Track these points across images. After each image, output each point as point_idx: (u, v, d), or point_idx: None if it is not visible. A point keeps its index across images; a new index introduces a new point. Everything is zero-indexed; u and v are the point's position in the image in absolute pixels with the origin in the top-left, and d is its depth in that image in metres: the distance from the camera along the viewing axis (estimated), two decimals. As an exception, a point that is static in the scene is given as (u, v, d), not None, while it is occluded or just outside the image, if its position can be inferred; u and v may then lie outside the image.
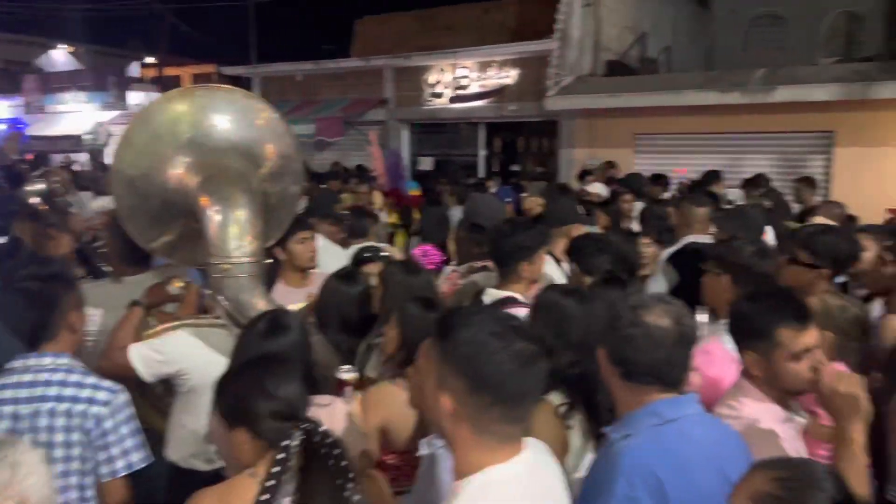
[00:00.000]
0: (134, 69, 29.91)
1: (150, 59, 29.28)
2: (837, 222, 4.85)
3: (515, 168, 13.18)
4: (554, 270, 3.65)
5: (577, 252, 3.41)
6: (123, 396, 2.16)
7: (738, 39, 16.04)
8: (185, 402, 2.59)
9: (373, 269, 3.39)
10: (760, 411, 2.02)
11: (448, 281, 3.47)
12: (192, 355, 2.56)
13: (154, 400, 2.74)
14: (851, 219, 5.69)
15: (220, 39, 26.33)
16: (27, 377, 2.08)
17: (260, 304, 2.54)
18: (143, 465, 2.19)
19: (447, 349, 1.41)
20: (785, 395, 2.07)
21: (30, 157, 12.47)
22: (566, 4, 10.91)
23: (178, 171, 2.66)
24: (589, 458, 2.07)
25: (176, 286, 2.86)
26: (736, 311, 2.18)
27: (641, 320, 1.73)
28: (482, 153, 13.40)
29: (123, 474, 2.14)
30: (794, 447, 1.99)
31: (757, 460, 1.52)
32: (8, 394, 2.06)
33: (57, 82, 20.72)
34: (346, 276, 3.21)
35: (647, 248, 4.26)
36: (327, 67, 14.33)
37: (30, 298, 2.13)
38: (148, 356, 2.56)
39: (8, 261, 3.35)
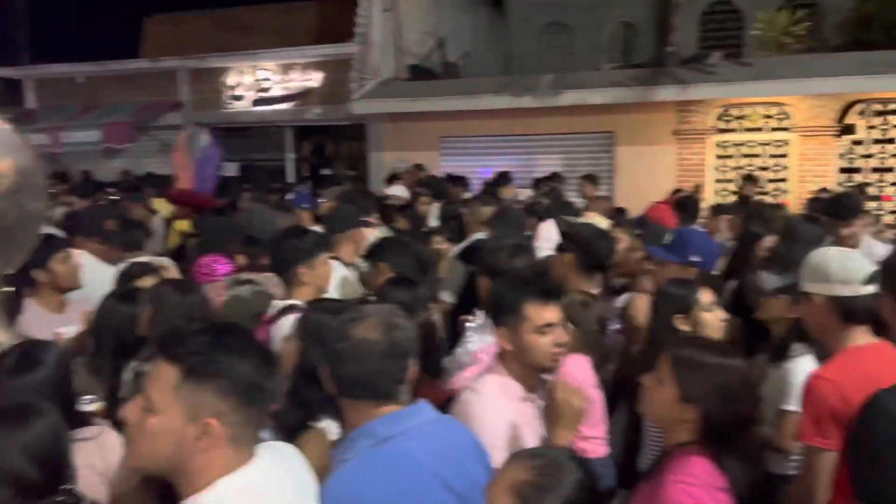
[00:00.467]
0: None
1: None
2: (606, 215, 5.43)
3: (327, 172, 13.03)
4: (346, 275, 3.64)
5: (380, 253, 3.44)
6: None
7: (532, 46, 17.07)
8: None
9: (146, 285, 3.16)
10: (496, 392, 2.16)
11: (217, 294, 3.29)
12: None
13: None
14: (620, 211, 6.31)
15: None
16: None
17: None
18: None
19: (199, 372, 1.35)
20: (532, 372, 2.21)
21: None
22: (365, 8, 10.94)
23: None
24: None
25: None
26: (490, 293, 2.39)
27: (349, 334, 1.71)
28: (290, 157, 13.09)
29: None
30: (532, 426, 2.14)
31: (511, 454, 1.61)
32: None
33: None
34: (123, 295, 2.98)
35: (439, 245, 4.46)
36: (113, 69, 13.22)
37: None
38: None
39: None
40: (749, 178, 8.82)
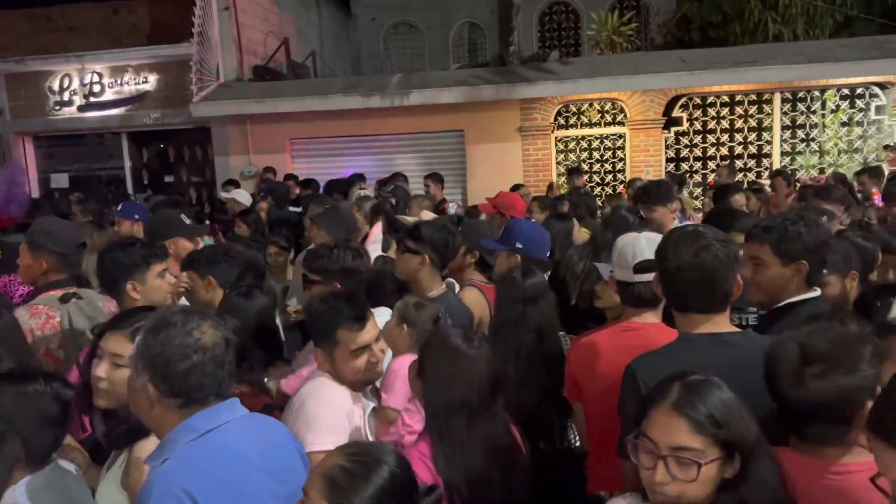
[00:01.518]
0: None
1: None
2: (432, 211, 5.70)
3: (170, 179, 12.33)
4: None
5: (204, 263, 3.30)
6: None
7: (379, 46, 17.08)
8: None
9: None
10: (333, 386, 2.31)
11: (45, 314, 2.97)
12: None
13: None
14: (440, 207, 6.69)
15: None
16: None
17: None
18: None
19: None
20: (350, 385, 2.34)
21: None
22: (202, 8, 10.44)
23: None
24: None
25: None
26: (309, 314, 2.48)
27: (197, 343, 1.68)
28: (128, 165, 12.25)
29: None
30: (360, 425, 2.31)
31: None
32: None
33: None
34: None
35: (276, 256, 4.48)
36: (-87, 73, 11.80)
37: None
38: None
39: None
40: (573, 171, 9.44)
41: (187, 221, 4.01)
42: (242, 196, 7.49)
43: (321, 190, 8.39)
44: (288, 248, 5.07)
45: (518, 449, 2.15)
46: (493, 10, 16.45)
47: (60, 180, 12.08)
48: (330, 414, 2.23)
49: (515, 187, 7.71)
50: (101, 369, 2.07)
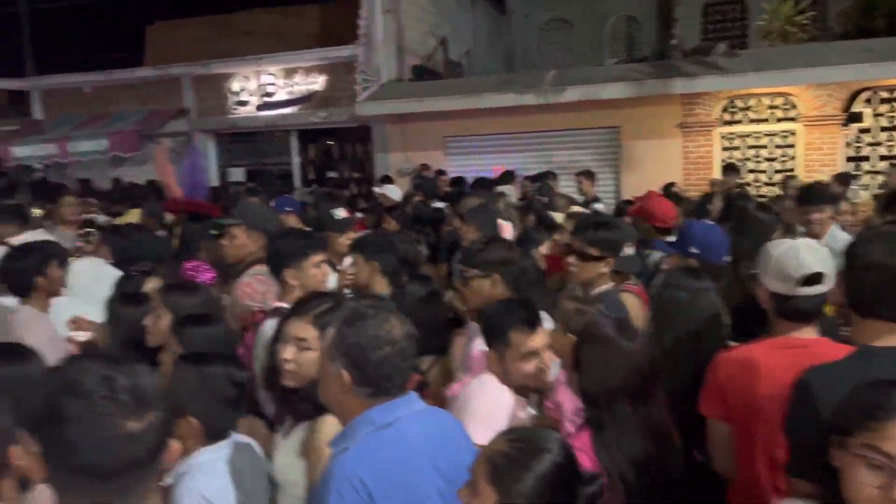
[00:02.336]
0: None
1: None
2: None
3: (333, 174, 13.06)
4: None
5: (372, 249, 3.53)
6: None
7: (532, 42, 17.03)
8: None
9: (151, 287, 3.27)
10: (499, 386, 2.35)
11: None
12: None
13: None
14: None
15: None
16: None
17: None
18: None
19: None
20: (517, 391, 2.36)
21: None
22: (367, 10, 10.94)
23: None
24: None
25: None
26: (482, 314, 2.52)
27: (388, 335, 1.76)
28: (296, 161, 13.12)
29: None
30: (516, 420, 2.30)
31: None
32: None
33: None
34: (130, 297, 3.10)
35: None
36: (119, 77, 13.28)
37: None
38: None
39: None
40: (728, 169, 8.88)
41: (342, 216, 4.32)
42: (393, 192, 7.78)
43: (468, 188, 8.53)
44: (420, 243, 5.08)
45: (673, 434, 2.14)
46: (652, 3, 15.88)
47: (237, 174, 13.15)
48: (491, 409, 2.28)
49: (668, 186, 7.44)
50: (288, 352, 2.26)
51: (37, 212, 6.59)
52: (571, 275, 3.23)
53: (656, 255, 3.91)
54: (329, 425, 2.06)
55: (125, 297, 3.10)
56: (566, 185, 8.93)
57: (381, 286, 3.47)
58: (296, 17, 13.15)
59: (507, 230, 4.92)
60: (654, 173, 9.23)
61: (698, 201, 5.74)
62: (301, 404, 2.21)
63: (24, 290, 3.25)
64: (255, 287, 3.38)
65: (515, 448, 1.51)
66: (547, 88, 9.87)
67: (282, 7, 13.39)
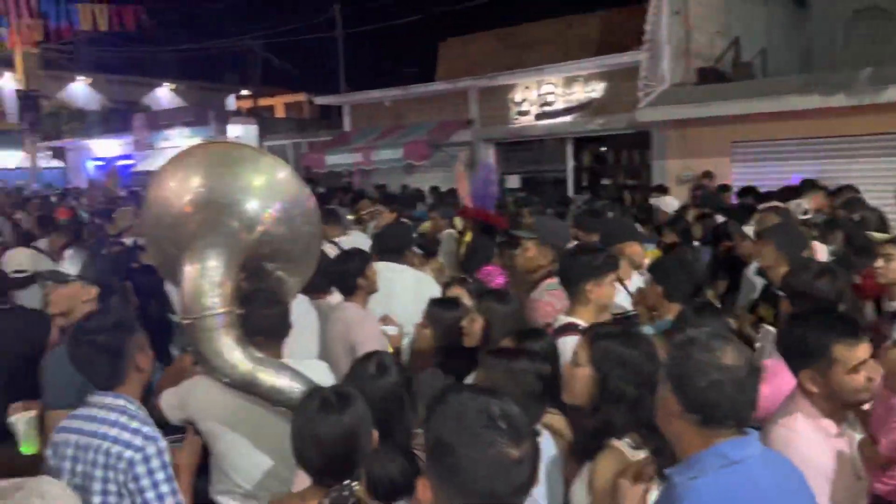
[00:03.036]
0: (231, 102, 31.43)
1: (245, 92, 30.73)
2: None
3: (606, 181, 13.01)
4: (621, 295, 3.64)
5: (662, 273, 3.41)
6: (159, 445, 2.17)
7: (836, 37, 15.23)
8: (209, 443, 2.66)
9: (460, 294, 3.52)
10: (813, 429, 2.16)
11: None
12: (204, 401, 2.62)
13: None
14: None
15: (310, 70, 27.37)
16: (93, 412, 2.21)
17: (235, 354, 2.43)
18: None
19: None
20: (842, 408, 2.20)
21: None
22: (654, 14, 10.71)
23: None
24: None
25: None
26: (787, 334, 2.33)
27: (718, 362, 1.70)
28: (570, 168, 13.29)
29: None
30: (847, 463, 2.13)
31: None
32: (76, 424, 2.22)
33: (163, 119, 21.95)
34: (446, 302, 3.39)
35: None
36: (414, 92, 14.59)
37: (98, 350, 2.22)
38: (168, 401, 2.71)
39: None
40: None
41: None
42: (668, 204, 7.46)
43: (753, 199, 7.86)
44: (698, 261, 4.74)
45: None
46: None
47: (512, 181, 13.70)
48: (828, 463, 2.12)
49: None
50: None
51: (349, 216, 7.52)
52: None
53: None
54: (612, 455, 2.07)
55: (442, 302, 3.41)
56: (874, 199, 7.83)
57: (670, 311, 3.36)
58: (577, 25, 13.33)
59: (821, 252, 4.47)
60: None
61: None
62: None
63: (349, 290, 3.71)
64: (554, 304, 3.49)
65: None
66: (861, 88, 8.80)
67: (564, 17, 13.64)
